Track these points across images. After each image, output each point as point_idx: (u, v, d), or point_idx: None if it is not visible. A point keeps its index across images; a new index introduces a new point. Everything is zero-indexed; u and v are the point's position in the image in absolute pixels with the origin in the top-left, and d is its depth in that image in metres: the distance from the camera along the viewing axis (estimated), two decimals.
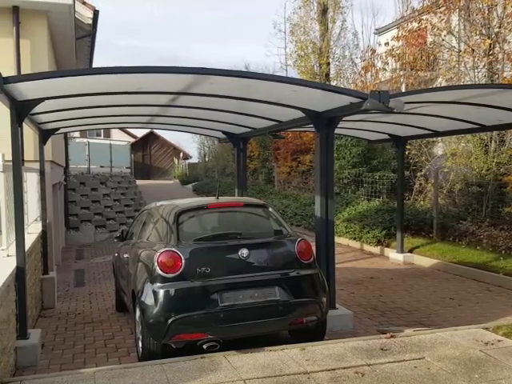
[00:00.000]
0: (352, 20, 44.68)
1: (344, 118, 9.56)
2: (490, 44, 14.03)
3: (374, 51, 19.80)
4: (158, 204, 7.03)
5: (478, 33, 15.00)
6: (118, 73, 5.18)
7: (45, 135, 9.02)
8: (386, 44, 17.92)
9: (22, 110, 5.81)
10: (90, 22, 14.45)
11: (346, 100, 6.26)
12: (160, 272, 5.39)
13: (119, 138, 49.42)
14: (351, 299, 8.74)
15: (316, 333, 6.21)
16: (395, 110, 5.89)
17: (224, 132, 10.88)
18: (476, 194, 13.74)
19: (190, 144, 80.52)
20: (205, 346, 5.40)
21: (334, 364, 5.14)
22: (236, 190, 11.33)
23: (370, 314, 7.83)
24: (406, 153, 16.56)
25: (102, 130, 48.66)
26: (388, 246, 12.94)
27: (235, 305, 5.45)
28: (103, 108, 7.55)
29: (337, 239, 15.08)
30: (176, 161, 43.47)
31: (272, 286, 5.66)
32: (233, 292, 5.50)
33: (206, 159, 39.22)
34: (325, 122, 6.99)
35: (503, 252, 10.54)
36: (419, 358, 5.27)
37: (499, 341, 5.78)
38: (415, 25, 16.62)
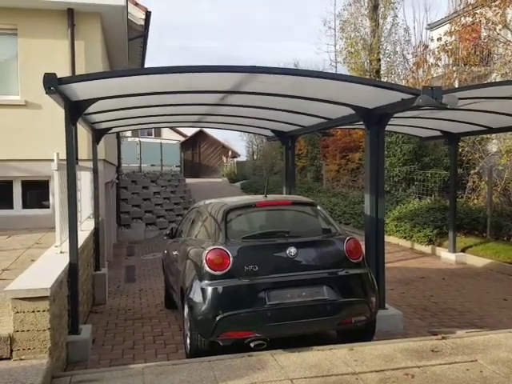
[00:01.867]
0: (403, 15, 43.82)
1: (397, 115, 9.56)
2: None
3: (426, 46, 19.44)
4: (207, 202, 7.09)
5: None
6: (169, 72, 5.24)
7: (98, 135, 9.23)
8: (439, 39, 17.55)
9: (75, 110, 5.96)
10: (142, 22, 14.70)
11: (397, 96, 6.16)
12: (208, 269, 5.43)
13: (169, 137, 50.11)
14: (401, 299, 8.60)
15: (365, 333, 6.14)
16: (449, 106, 5.77)
17: (273, 130, 10.88)
18: None
19: (238, 142, 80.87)
20: (252, 345, 5.40)
21: (383, 365, 5.06)
22: (284, 188, 11.31)
23: (421, 315, 7.70)
24: (459, 150, 16.22)
25: (152, 130, 49.61)
26: (440, 245, 12.68)
27: (282, 303, 5.44)
28: (154, 108, 7.67)
29: (386, 238, 14.84)
30: (224, 159, 43.77)
31: (320, 284, 5.62)
32: (280, 290, 5.48)
33: (255, 157, 39.34)
34: (375, 119, 6.91)
35: None
36: (471, 361, 5.14)
37: None
38: (469, 19, 16.22)
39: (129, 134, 34.87)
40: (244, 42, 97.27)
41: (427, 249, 13.02)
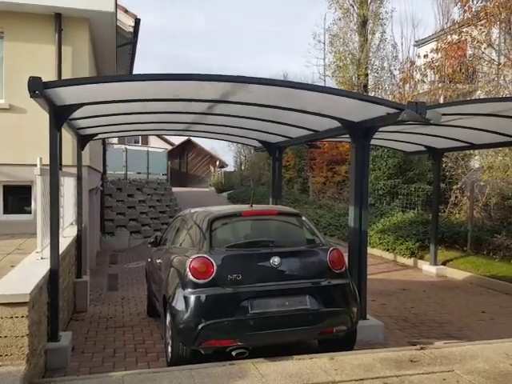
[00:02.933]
0: (392, 32, 44.24)
1: (381, 129, 9.68)
2: None
3: (412, 63, 19.66)
4: (193, 210, 7.12)
5: None
6: (156, 80, 5.29)
7: (83, 140, 9.23)
8: (426, 56, 17.79)
9: (60, 115, 5.95)
10: (132, 30, 14.73)
11: (382, 110, 6.26)
12: (192, 278, 5.44)
13: (157, 145, 50.06)
14: (383, 310, 8.67)
15: (346, 342, 6.19)
16: (432, 122, 5.87)
17: (260, 141, 10.94)
18: None
19: (226, 152, 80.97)
20: (234, 353, 5.42)
21: (363, 374, 5.12)
22: (270, 198, 11.37)
23: (401, 326, 7.77)
24: (443, 165, 16.41)
25: (140, 137, 49.50)
26: (421, 258, 12.81)
27: (265, 312, 5.47)
28: (141, 115, 7.70)
29: (370, 250, 15.01)
30: (212, 169, 43.79)
31: (303, 294, 5.67)
32: (263, 300, 5.52)
33: (242, 168, 39.41)
34: (361, 132, 7.00)
35: None
36: (448, 371, 5.21)
37: None
38: (455, 37, 16.47)
39: (115, 140, 34.85)
40: (234, 52, 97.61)
41: (409, 261, 13.14)
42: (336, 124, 7.30)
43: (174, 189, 38.60)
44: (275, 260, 5.61)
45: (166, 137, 51.32)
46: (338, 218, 18.17)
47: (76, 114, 6.57)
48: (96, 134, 9.35)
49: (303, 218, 6.49)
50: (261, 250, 5.88)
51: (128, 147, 23.91)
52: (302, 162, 27.10)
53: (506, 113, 7.32)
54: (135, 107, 7.04)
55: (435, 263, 11.88)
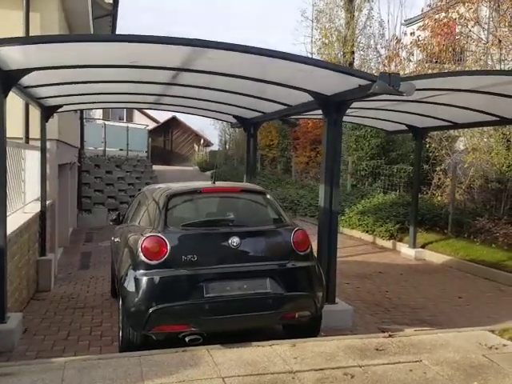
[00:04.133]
0: (379, 9, 43.64)
1: (359, 106, 9.29)
2: None
3: (398, 40, 19.22)
4: (156, 186, 6.73)
5: (506, 24, 14.40)
6: (106, 41, 4.85)
7: (47, 112, 8.78)
8: (412, 34, 17.39)
9: (7, 81, 5.48)
10: (111, 1, 14.18)
11: (355, 82, 5.87)
12: (143, 258, 5.06)
13: (141, 122, 49.51)
14: (356, 294, 8.38)
15: (310, 328, 5.87)
16: (405, 95, 5.48)
17: (235, 116, 10.52)
18: (495, 190, 13.21)
19: (212, 131, 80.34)
20: (187, 339, 5.07)
21: (323, 363, 4.80)
22: (245, 176, 11.00)
23: (373, 311, 7.47)
24: (426, 146, 16.12)
25: (124, 114, 48.85)
26: (401, 240, 12.49)
27: (221, 296, 5.11)
28: (104, 84, 7.26)
29: (349, 232, 14.73)
30: (196, 147, 43.22)
31: (263, 277, 5.30)
32: (220, 282, 5.16)
33: (227, 147, 38.86)
34: (333, 106, 6.60)
35: None
36: (416, 361, 4.90)
37: (504, 345, 5.39)
38: (442, 14, 16.06)
39: (98, 116, 34.18)
40: (222, 31, 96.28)
41: (388, 243, 12.83)
42: (309, 98, 6.91)
43: (158, 167, 38.05)
44: (234, 240, 5.23)
45: (150, 114, 50.76)
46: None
47: (32, 82, 6.13)
48: (61, 106, 8.89)
49: (268, 196, 6.10)
50: (220, 229, 5.49)
51: (107, 123, 23.36)
52: (285, 142, 26.68)
53: (486, 89, 6.96)
54: (96, 75, 6.61)
55: (414, 246, 11.58)
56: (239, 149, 33.29)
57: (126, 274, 5.26)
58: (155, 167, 38.93)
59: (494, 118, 9.17)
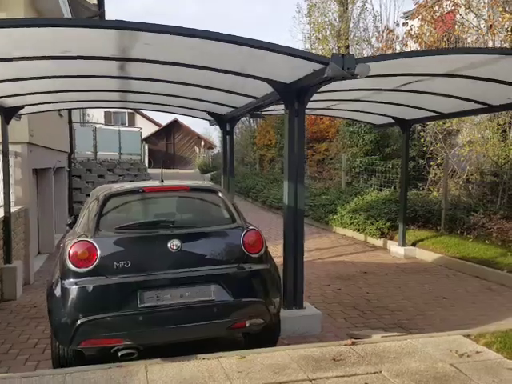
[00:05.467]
0: (371, 2, 42.85)
1: (338, 97, 8.82)
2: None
3: (390, 31, 18.65)
4: (102, 186, 6.23)
5: (500, 9, 13.82)
6: (18, 26, 4.31)
7: (6, 113, 8.36)
8: (405, 24, 16.83)
9: None
10: (95, 1, 13.78)
11: (310, 67, 5.39)
12: (70, 265, 4.57)
13: (144, 126, 49.26)
14: (334, 296, 7.87)
15: (267, 338, 5.36)
16: (359, 77, 4.98)
17: (209, 113, 10.04)
18: (491, 184, 12.64)
19: (214, 133, 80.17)
20: (120, 354, 4.57)
21: (270, 378, 4.30)
22: (222, 176, 10.52)
23: (348, 314, 6.95)
24: (422, 140, 15.57)
25: (126, 118, 48.81)
26: (392, 238, 11.93)
27: (159, 306, 4.60)
28: (54, 80, 6.81)
29: (342, 231, 14.20)
30: (197, 150, 42.79)
31: (207, 283, 4.79)
32: (157, 291, 4.64)
33: None
34: (293, 95, 6.10)
35: None
36: (374, 372, 4.39)
37: (477, 352, 4.87)
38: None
39: (96, 120, 33.86)
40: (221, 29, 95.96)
41: (379, 242, 12.29)
42: (270, 88, 6.43)
43: (158, 170, 37.62)
44: (174, 243, 4.72)
45: (152, 118, 50.58)
46: (314, 198, 17.22)
47: None
48: (22, 107, 8.46)
49: (220, 195, 5.54)
50: (159, 231, 4.98)
51: (98, 126, 22.96)
52: (283, 141, 26.08)
53: (459, 72, 6.44)
54: (31, 69, 6.13)
55: (404, 244, 11.03)
56: (237, 150, 32.89)
57: (54, 284, 4.78)
58: (155, 170, 38.68)
59: (481, 106, 8.65)
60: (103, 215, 4.99)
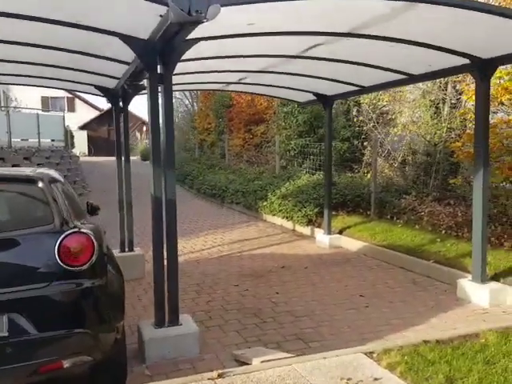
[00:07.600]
0: None
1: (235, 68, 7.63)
2: None
3: None
4: None
5: None
6: None
7: None
8: None
9: None
10: None
11: (155, 12, 4.13)
12: None
13: (83, 111, 47.26)
14: (237, 300, 6.70)
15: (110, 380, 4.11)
16: (205, 20, 3.71)
17: (96, 86, 8.64)
18: (424, 164, 11.72)
19: None
20: None
21: None
22: (116, 160, 9.20)
23: (244, 325, 5.77)
24: (355, 120, 14.61)
25: (65, 104, 46.78)
26: (319, 226, 10.82)
27: None
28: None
29: (271, 219, 13.06)
30: (139, 135, 41.05)
31: None
32: None
33: None
34: (153, 54, 4.83)
35: (443, 232, 8.62)
36: None
37: (375, 379, 3.78)
38: None
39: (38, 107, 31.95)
40: None
41: (307, 230, 11.22)
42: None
43: (98, 158, 36.03)
44: None
45: (93, 102, 48.56)
46: (247, 184, 16.00)
47: None
48: None
49: (40, 185, 4.06)
50: None
51: (12, 111, 21.19)
52: (221, 124, 24.86)
53: (360, 31, 5.30)
54: None
55: (329, 232, 9.98)
56: (181, 135, 31.47)
57: None
58: (93, 158, 36.94)
59: (402, 76, 7.61)
60: None
